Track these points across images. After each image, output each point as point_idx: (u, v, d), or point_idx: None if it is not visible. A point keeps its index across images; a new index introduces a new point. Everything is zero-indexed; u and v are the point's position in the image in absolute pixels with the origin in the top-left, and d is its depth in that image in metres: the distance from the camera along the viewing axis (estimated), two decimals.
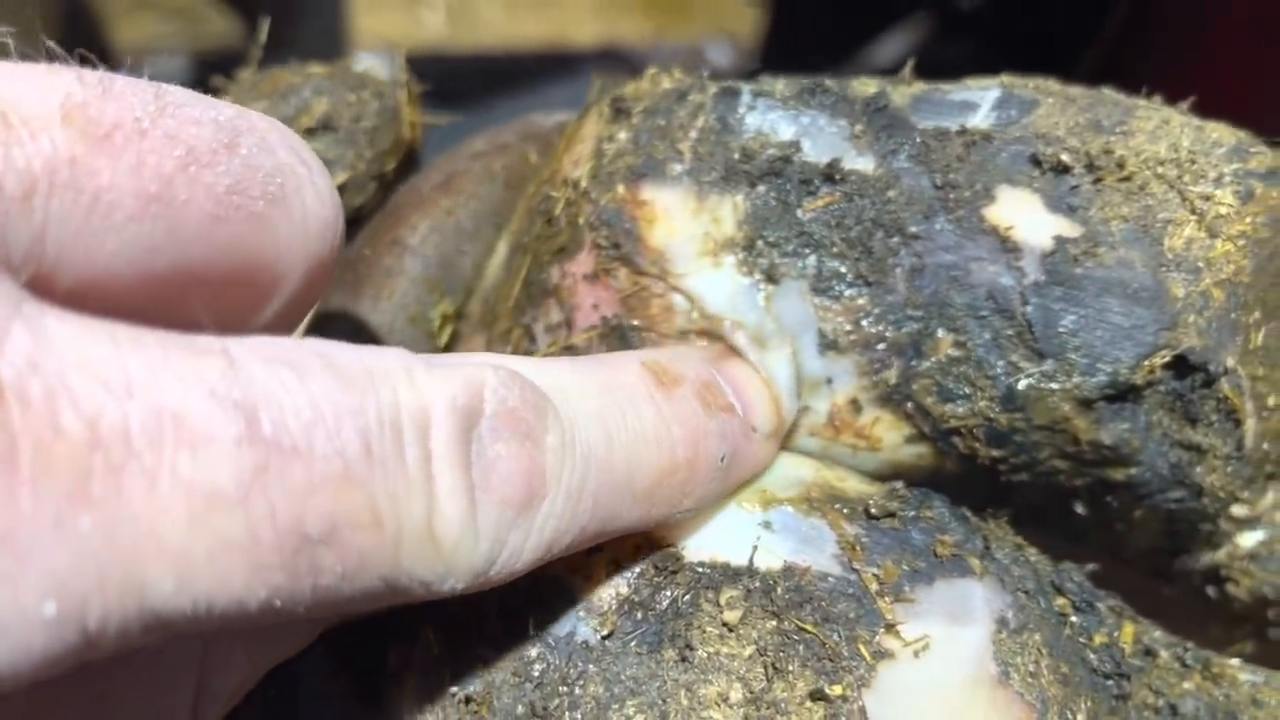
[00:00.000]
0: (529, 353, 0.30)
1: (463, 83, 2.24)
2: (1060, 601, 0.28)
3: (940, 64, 0.36)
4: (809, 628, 0.24)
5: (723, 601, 0.25)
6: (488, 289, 0.33)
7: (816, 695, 0.24)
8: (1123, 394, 0.28)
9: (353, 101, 0.34)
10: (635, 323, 0.29)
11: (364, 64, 0.36)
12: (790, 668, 0.24)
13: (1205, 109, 0.30)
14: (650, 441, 0.23)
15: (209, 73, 0.37)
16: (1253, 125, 0.30)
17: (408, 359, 0.21)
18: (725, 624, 0.24)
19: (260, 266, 0.21)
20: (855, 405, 0.29)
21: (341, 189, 0.35)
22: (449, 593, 0.20)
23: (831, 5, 1.90)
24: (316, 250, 0.22)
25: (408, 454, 0.20)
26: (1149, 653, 0.29)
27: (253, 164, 0.20)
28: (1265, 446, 0.30)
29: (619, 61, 2.24)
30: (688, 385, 0.25)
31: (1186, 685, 0.28)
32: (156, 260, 0.19)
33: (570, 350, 0.29)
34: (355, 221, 0.35)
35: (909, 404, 0.28)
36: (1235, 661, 0.31)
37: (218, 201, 0.19)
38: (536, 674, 0.24)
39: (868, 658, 0.24)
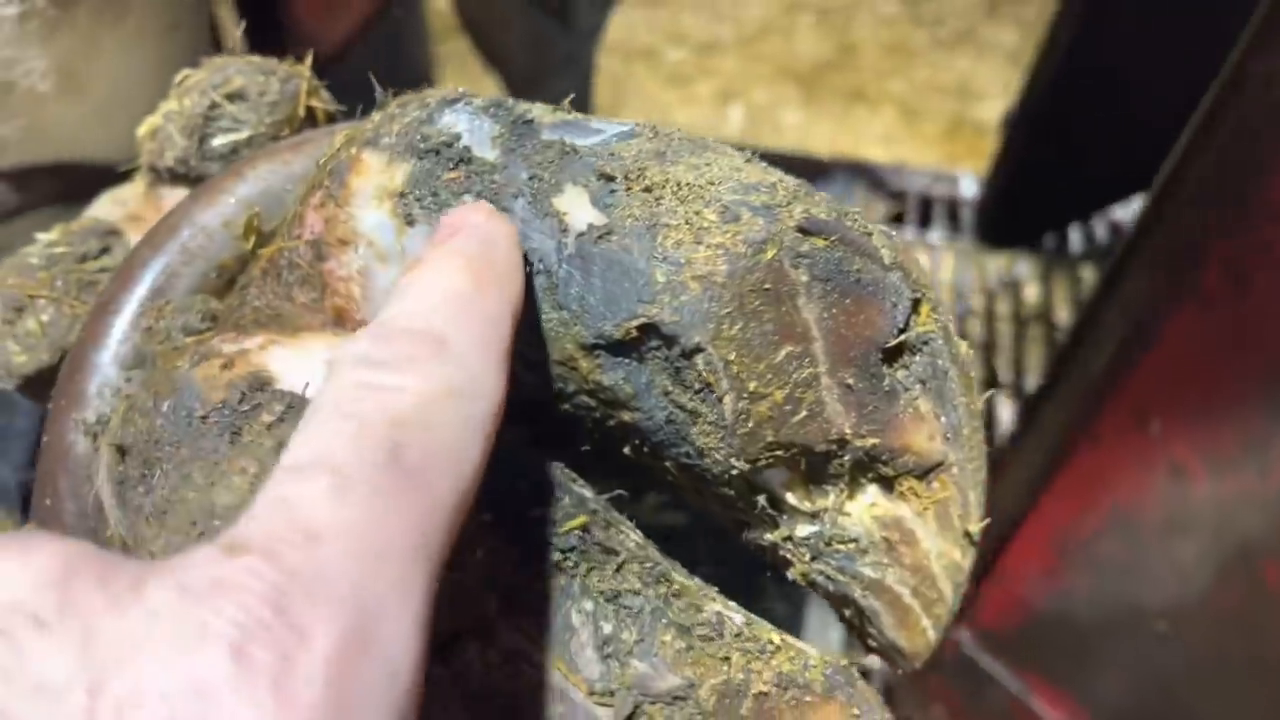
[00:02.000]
0: (282, 254, 0.43)
1: None
2: (522, 483, 0.37)
3: None
4: None
5: (265, 419, 0.36)
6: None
7: None
8: (614, 347, 0.37)
9: (261, 81, 0.50)
10: (326, 240, 0.41)
11: None
12: None
13: None
14: None
15: None
16: None
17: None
18: (264, 426, 0.36)
19: None
20: None
21: (246, 143, 0.50)
22: None
23: (1069, 168, 1.91)
24: None
25: None
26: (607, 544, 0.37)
27: None
28: (755, 428, 0.37)
29: (861, 175, 2.34)
30: None
31: (628, 574, 0.37)
32: None
33: (289, 251, 0.42)
34: None
35: None
36: (699, 587, 0.39)
37: None
38: (155, 436, 0.37)
39: None
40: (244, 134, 0.49)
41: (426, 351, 0.30)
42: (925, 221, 2.37)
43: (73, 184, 0.68)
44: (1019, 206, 2.16)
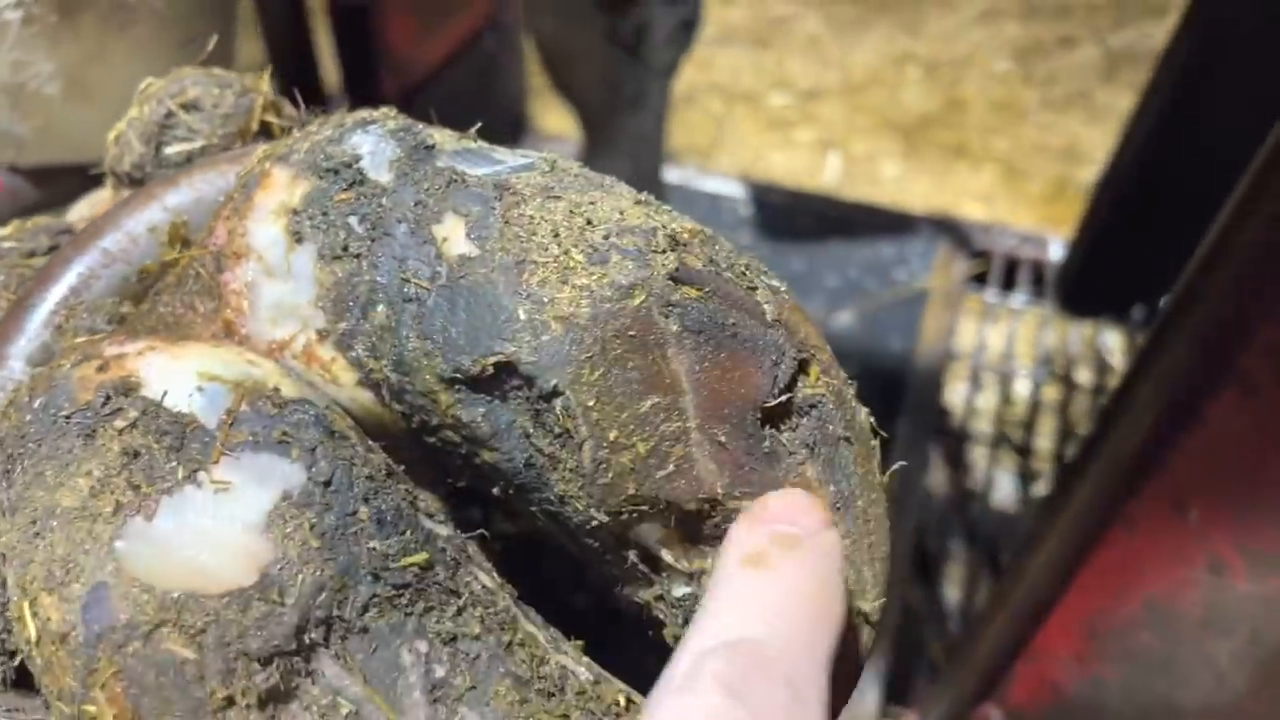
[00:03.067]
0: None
1: (808, 220, 2.41)
2: (364, 510, 0.36)
3: None
4: (153, 443, 0.35)
5: (118, 424, 0.36)
6: None
7: (134, 485, 0.34)
8: (472, 383, 0.36)
9: (216, 94, 0.50)
10: (225, 251, 0.41)
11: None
12: (126, 473, 0.35)
13: None
14: None
15: None
16: None
17: None
18: (116, 431, 0.36)
19: None
20: (321, 343, 0.39)
21: (200, 152, 0.51)
22: None
23: (1160, 237, 1.83)
24: None
25: None
26: (436, 590, 0.36)
27: None
28: (616, 479, 0.36)
29: (946, 231, 2.29)
30: None
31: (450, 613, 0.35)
32: None
33: (196, 261, 0.42)
34: None
35: (352, 353, 0.38)
36: (536, 632, 0.37)
37: None
38: (23, 432, 0.37)
39: (180, 476, 0.34)
40: (197, 144, 0.50)
41: (791, 708, 0.30)
42: (1009, 283, 2.30)
43: (87, 184, 0.70)
44: (1106, 274, 2.08)
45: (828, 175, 3.31)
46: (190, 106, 0.50)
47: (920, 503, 1.90)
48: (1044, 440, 2.09)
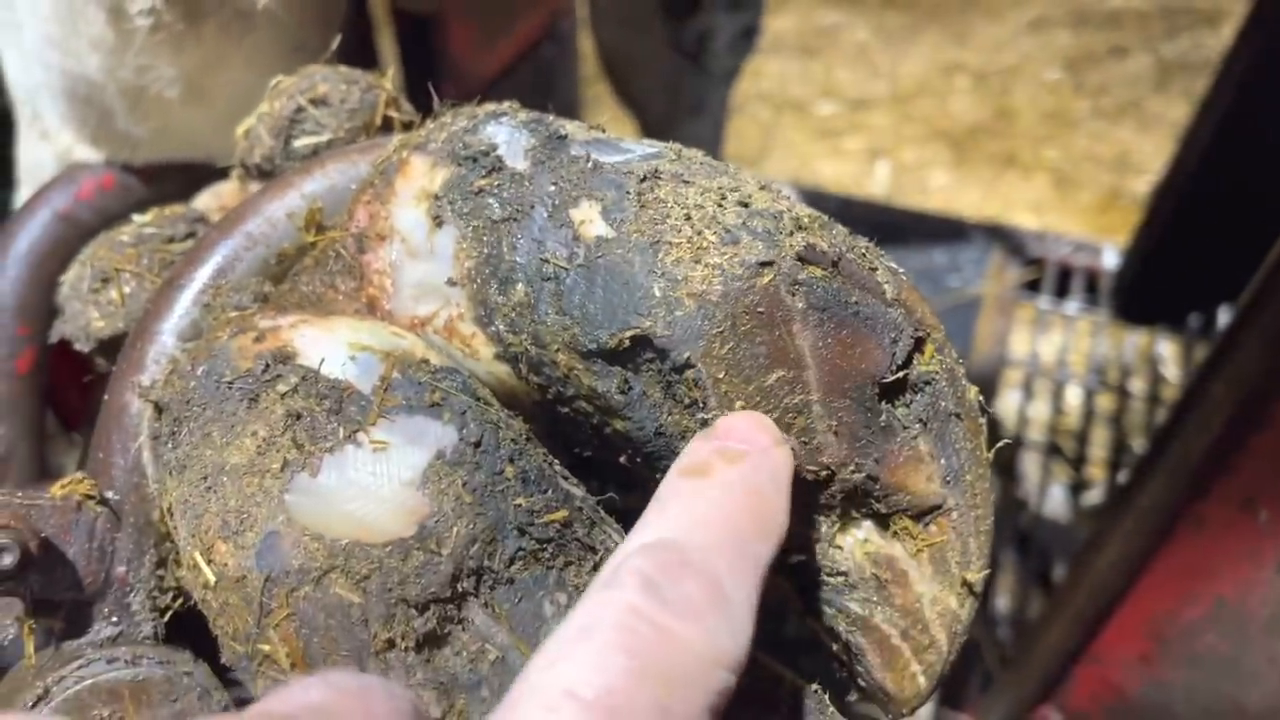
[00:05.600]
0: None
1: (860, 227, 2.42)
2: (510, 470, 0.38)
3: None
4: (314, 406, 0.38)
5: (280, 389, 0.39)
6: None
7: (298, 444, 0.37)
8: (608, 355, 0.38)
9: (344, 90, 0.53)
10: (368, 234, 0.44)
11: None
12: (290, 433, 0.37)
13: None
14: None
15: None
16: None
17: None
18: (279, 395, 0.39)
19: None
20: (462, 319, 0.42)
21: (326, 145, 0.54)
22: None
23: (1217, 246, 1.83)
24: None
25: None
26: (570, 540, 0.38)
27: None
28: None
29: (1000, 238, 2.29)
30: None
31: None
32: None
33: (337, 243, 0.45)
34: None
35: (491, 328, 0.41)
36: None
37: None
38: (187, 397, 0.40)
39: (341, 436, 0.37)
40: (325, 137, 0.53)
41: (711, 606, 0.30)
42: (1063, 291, 2.29)
43: (196, 180, 0.74)
44: (1162, 283, 2.07)
45: (876, 184, 3.32)
46: (319, 102, 0.53)
47: None
48: (1097, 449, 2.09)
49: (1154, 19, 3.98)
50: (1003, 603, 1.88)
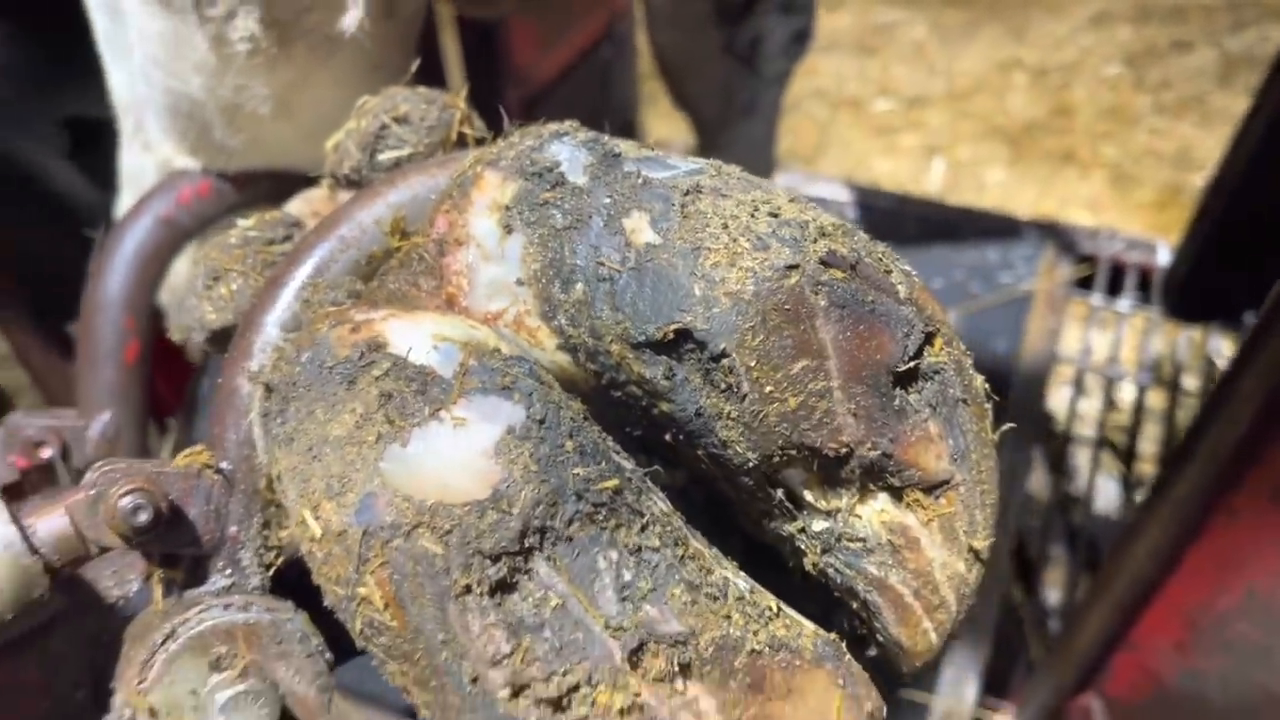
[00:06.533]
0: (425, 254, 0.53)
1: (913, 224, 2.45)
2: (569, 443, 0.44)
3: None
4: (403, 388, 0.44)
5: (374, 373, 0.45)
6: None
7: (390, 420, 0.43)
8: (655, 346, 0.44)
9: (423, 109, 0.60)
10: (447, 239, 0.51)
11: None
12: (383, 411, 0.44)
13: None
14: None
15: None
16: None
17: None
18: (373, 378, 0.45)
19: None
20: (529, 314, 0.48)
21: (407, 159, 0.60)
22: None
23: (1272, 242, 1.83)
24: None
25: None
26: (626, 507, 0.44)
27: None
28: (771, 428, 0.44)
29: (1052, 235, 2.31)
30: None
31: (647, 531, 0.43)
32: None
33: (420, 247, 0.52)
34: None
35: (555, 322, 0.47)
36: (716, 558, 0.45)
37: None
38: (293, 379, 0.47)
39: (426, 413, 0.43)
40: (406, 151, 0.60)
41: None
42: (1115, 288, 2.31)
43: (283, 187, 0.81)
44: (1216, 279, 2.08)
45: (932, 181, 3.34)
46: (401, 120, 0.60)
47: (1022, 506, 1.93)
48: (1148, 445, 2.10)
49: (1219, 12, 3.93)
50: (1053, 596, 1.91)
